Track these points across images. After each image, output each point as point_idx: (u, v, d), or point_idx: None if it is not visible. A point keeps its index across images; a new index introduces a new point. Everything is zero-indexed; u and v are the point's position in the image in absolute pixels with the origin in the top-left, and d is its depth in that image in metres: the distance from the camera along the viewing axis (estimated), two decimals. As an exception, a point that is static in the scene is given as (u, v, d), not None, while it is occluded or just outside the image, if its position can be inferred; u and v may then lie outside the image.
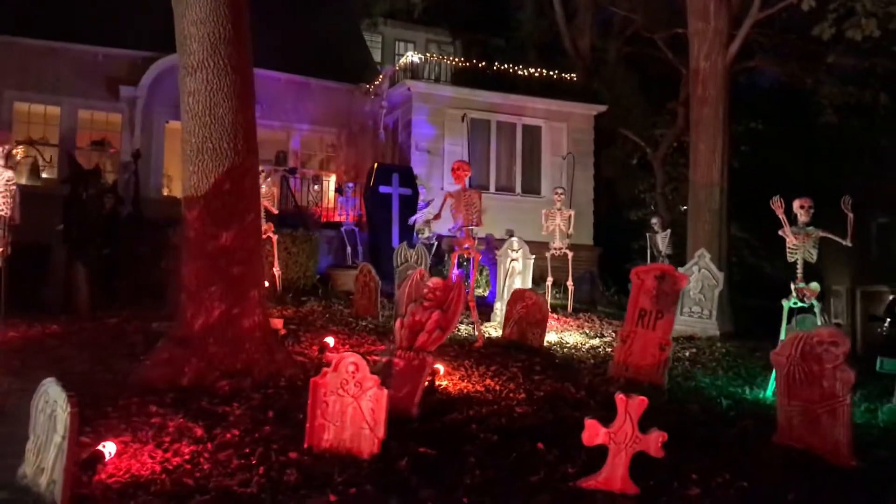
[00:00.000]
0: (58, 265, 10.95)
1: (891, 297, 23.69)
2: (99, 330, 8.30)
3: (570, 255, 12.46)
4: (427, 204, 16.84)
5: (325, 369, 4.86)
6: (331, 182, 21.01)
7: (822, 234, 7.79)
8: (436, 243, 15.91)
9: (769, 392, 7.65)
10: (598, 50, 23.28)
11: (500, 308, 10.74)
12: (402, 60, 20.03)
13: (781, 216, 7.62)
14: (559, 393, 6.78)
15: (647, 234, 15.96)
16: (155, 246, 12.85)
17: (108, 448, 4.33)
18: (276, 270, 11.93)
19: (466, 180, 8.98)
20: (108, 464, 4.32)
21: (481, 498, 4.32)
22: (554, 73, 20.15)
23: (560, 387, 6.98)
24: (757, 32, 14.07)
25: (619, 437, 4.59)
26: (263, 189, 10.59)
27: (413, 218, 16.35)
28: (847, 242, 7.75)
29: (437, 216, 9.33)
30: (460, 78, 19.51)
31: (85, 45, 18.36)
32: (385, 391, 4.76)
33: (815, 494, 4.81)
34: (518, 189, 19.51)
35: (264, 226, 10.69)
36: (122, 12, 18.80)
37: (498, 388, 6.84)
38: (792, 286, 7.73)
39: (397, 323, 6.05)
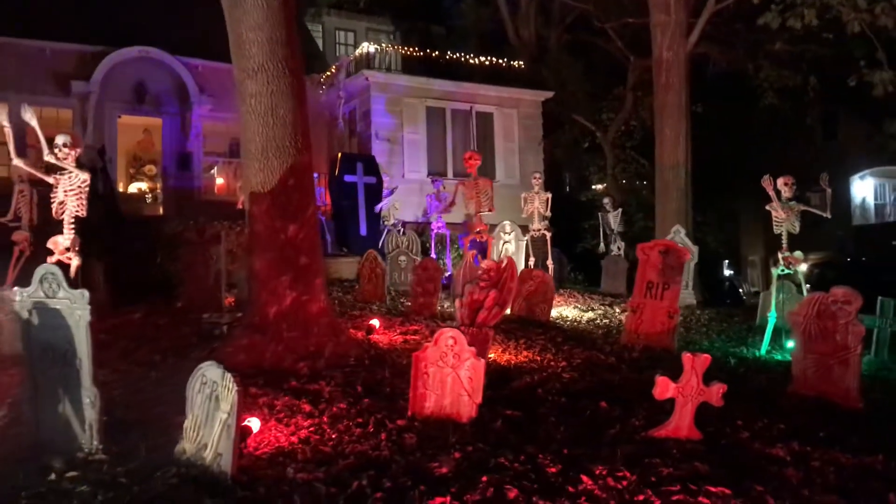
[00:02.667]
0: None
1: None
2: (133, 325, 8.45)
3: (549, 235, 13.12)
4: (392, 191, 17.29)
5: (426, 344, 5.38)
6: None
7: (803, 207, 8.69)
8: (401, 229, 16.40)
9: (762, 351, 8.58)
10: (542, 38, 24.03)
11: (493, 287, 11.30)
12: (358, 51, 20.31)
13: (771, 192, 8.46)
14: (592, 360, 7.47)
15: (599, 214, 16.80)
16: (136, 241, 12.90)
17: (253, 423, 4.74)
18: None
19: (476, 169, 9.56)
20: (249, 438, 4.74)
21: (575, 449, 4.92)
22: (503, 62, 20.81)
23: (591, 354, 7.67)
24: (707, 22, 15.03)
25: (687, 390, 5.28)
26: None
27: (379, 205, 16.83)
28: (827, 215, 8.70)
29: (452, 203, 9.83)
30: (414, 67, 19.92)
31: (32, 40, 18.00)
32: (482, 361, 5.31)
33: (839, 431, 5.62)
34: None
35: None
36: (69, 6, 18.48)
37: (538, 358, 7.47)
38: (779, 255, 8.60)
39: (457, 303, 6.58)
